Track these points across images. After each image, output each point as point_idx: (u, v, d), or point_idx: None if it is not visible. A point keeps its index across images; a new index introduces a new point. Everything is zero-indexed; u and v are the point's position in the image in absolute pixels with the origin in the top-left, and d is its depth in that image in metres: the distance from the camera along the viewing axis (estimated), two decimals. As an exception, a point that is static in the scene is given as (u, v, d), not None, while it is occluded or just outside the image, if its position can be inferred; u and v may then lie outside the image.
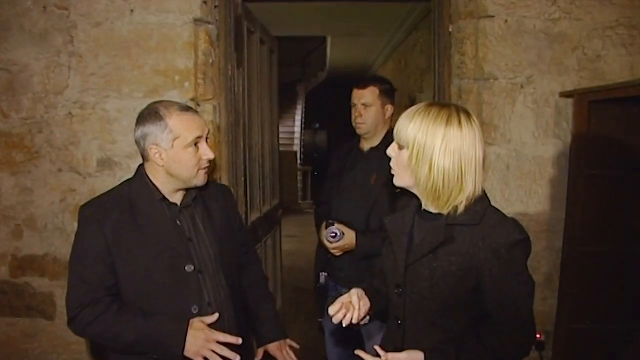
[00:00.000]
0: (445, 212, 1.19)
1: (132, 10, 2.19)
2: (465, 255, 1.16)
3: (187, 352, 1.36)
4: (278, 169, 3.46)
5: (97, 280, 1.40)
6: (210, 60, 2.28)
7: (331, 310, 1.21)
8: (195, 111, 1.53)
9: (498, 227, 1.16)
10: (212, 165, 1.61)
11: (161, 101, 1.51)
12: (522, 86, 2.23)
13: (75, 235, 1.49)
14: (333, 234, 2.01)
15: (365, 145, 2.21)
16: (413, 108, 1.22)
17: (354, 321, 1.21)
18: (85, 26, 2.21)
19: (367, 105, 2.13)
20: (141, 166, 1.54)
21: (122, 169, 2.23)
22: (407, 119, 1.19)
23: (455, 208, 1.18)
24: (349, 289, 2.05)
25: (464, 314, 1.20)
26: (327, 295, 2.18)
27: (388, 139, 2.04)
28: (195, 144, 1.45)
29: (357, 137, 2.27)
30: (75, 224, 2.23)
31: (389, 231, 1.31)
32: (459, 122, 1.16)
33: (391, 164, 1.27)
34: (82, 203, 2.20)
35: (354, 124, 2.19)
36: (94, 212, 1.45)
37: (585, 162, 2.03)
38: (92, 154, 2.24)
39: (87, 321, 1.39)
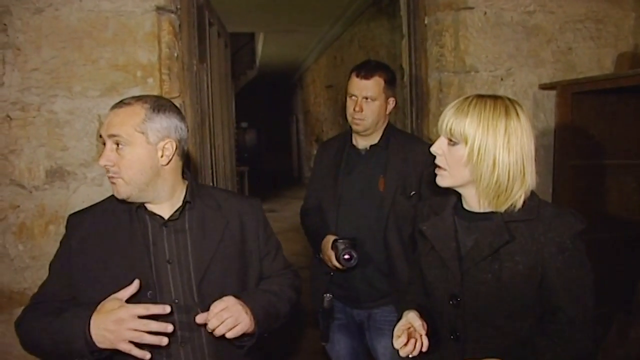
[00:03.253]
0: (503, 209, 1.12)
1: (81, -5, 1.89)
2: (530, 253, 1.09)
3: (102, 345, 1.08)
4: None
5: (51, 292, 1.27)
6: (175, 54, 2.03)
7: (398, 343, 1.06)
8: (129, 104, 1.22)
9: (558, 219, 1.11)
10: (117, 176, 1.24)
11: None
12: (502, 79, 2.22)
13: None
14: (348, 257, 1.73)
15: (362, 143, 1.89)
16: (462, 101, 1.13)
17: (424, 349, 1.07)
18: (23, 13, 1.87)
19: (369, 99, 1.80)
20: None
21: (77, 180, 1.93)
22: (461, 113, 1.10)
23: (514, 204, 1.11)
24: (359, 308, 1.91)
25: (529, 314, 1.13)
26: (332, 319, 1.92)
27: (389, 135, 1.88)
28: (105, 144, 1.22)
29: (348, 133, 1.97)
30: (21, 247, 1.95)
31: (431, 238, 1.20)
32: (517, 114, 1.10)
33: (438, 162, 1.16)
34: (28, 221, 1.94)
35: (349, 118, 1.85)
36: (70, 222, 1.32)
37: (569, 153, 2.06)
38: (38, 163, 1.90)
39: (17, 324, 1.25)
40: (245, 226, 1.36)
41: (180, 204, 1.29)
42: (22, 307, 1.96)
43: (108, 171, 1.21)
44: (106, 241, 1.24)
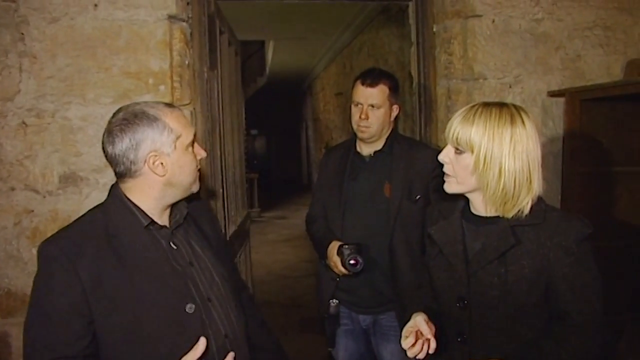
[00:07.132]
0: (510, 215, 1.13)
1: (96, 5, 1.93)
2: (535, 257, 1.11)
3: None
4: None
5: (69, 343, 1.07)
6: (186, 62, 2.07)
7: (405, 344, 1.08)
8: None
9: (564, 224, 1.12)
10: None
11: (136, 103, 1.23)
12: (510, 86, 2.22)
13: (35, 283, 1.12)
14: (354, 262, 1.74)
15: (366, 150, 1.92)
16: (468, 109, 1.15)
17: (431, 352, 1.09)
18: (39, 22, 1.92)
19: (375, 107, 1.82)
20: (115, 187, 1.23)
21: (89, 185, 1.96)
22: (467, 122, 1.12)
23: (521, 210, 1.12)
24: (365, 314, 1.92)
25: (536, 318, 1.14)
26: (338, 324, 1.94)
27: (392, 141, 1.90)
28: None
29: (352, 140, 2.00)
30: (34, 251, 1.97)
31: (439, 242, 1.22)
32: (522, 121, 1.11)
33: (446, 170, 1.18)
34: (41, 226, 1.97)
35: (355, 126, 1.88)
36: (62, 250, 1.09)
37: (578, 160, 2.06)
38: (52, 169, 1.94)
39: None
40: (212, 221, 1.48)
41: (169, 211, 1.28)
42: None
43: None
44: (123, 263, 1.14)
